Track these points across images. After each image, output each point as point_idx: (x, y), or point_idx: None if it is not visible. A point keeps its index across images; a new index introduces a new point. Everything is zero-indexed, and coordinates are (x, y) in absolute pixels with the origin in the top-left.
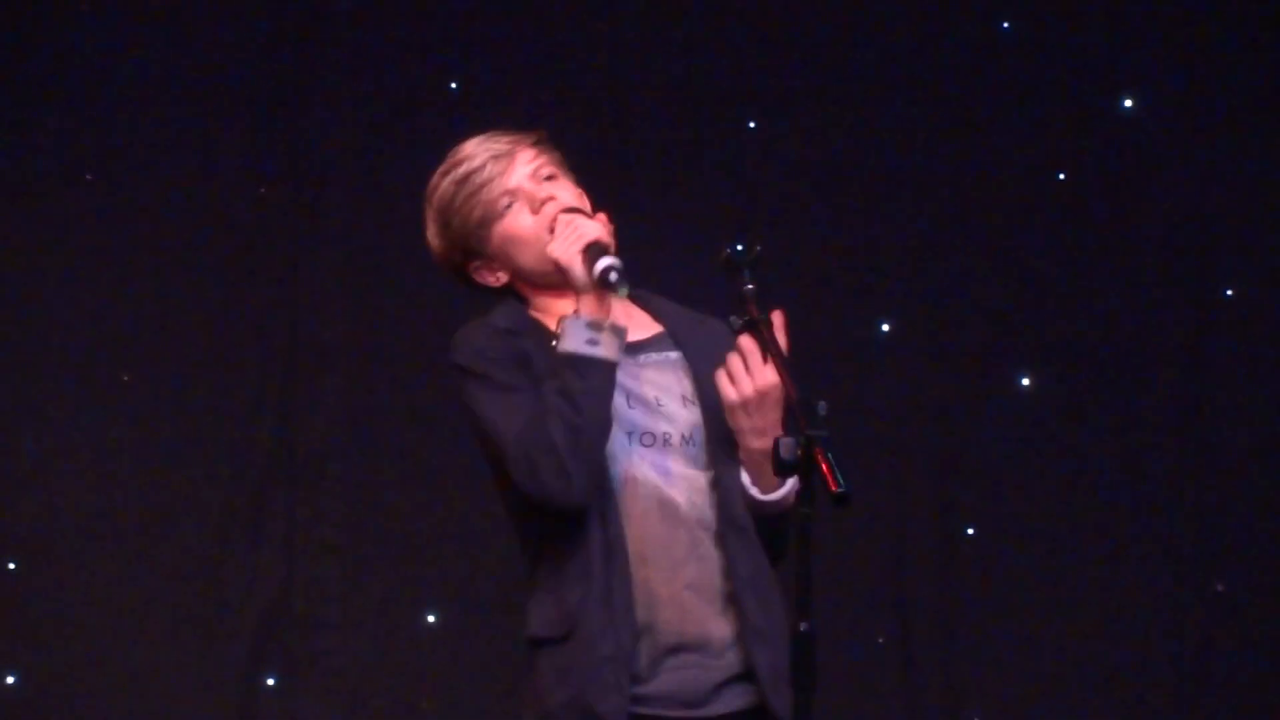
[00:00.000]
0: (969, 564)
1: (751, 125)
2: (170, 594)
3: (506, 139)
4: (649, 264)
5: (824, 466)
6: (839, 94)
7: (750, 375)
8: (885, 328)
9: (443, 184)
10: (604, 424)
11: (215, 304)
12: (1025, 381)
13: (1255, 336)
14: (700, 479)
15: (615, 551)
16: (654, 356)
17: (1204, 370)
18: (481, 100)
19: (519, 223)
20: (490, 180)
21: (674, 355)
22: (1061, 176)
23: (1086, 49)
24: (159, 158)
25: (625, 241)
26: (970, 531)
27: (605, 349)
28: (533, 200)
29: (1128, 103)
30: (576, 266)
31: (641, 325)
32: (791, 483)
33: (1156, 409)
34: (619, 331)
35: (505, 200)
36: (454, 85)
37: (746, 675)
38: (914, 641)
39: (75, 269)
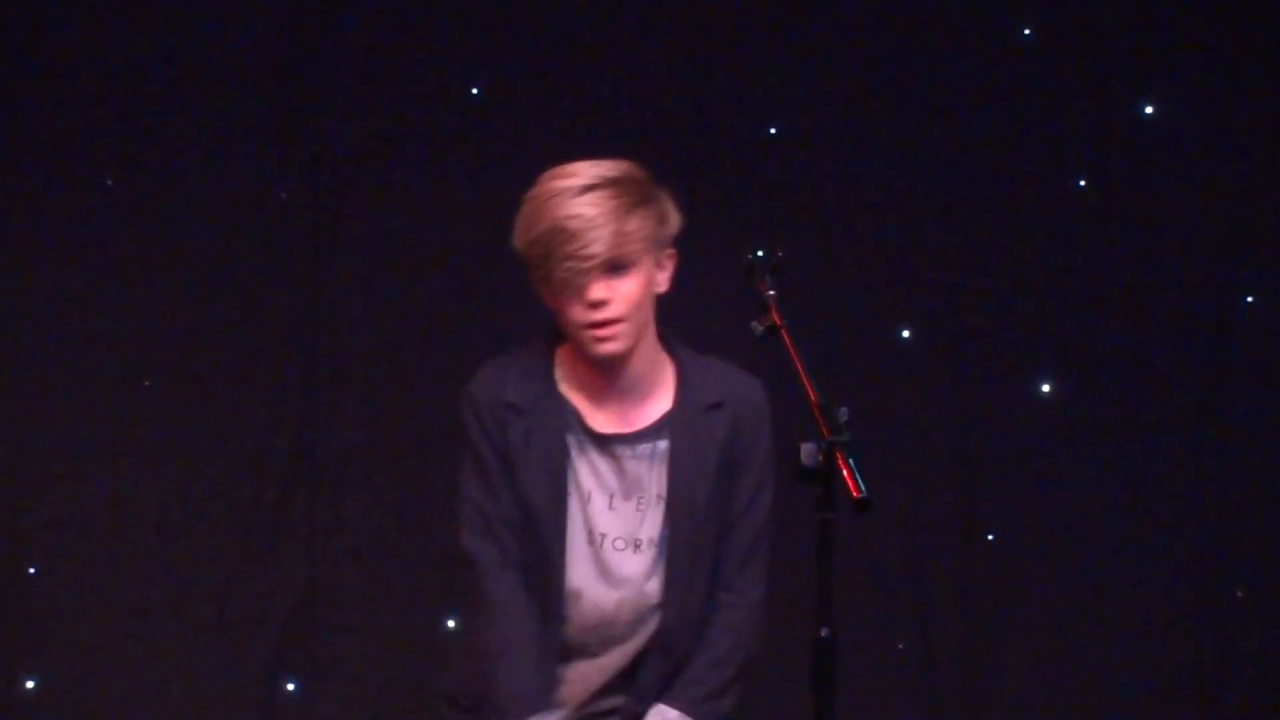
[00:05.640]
0: (989, 570)
1: (773, 131)
2: (191, 599)
3: (603, 210)
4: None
5: (845, 472)
6: (859, 100)
7: None
8: (906, 334)
9: (533, 231)
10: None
11: (236, 309)
12: (1045, 388)
13: (1276, 343)
14: (645, 583)
15: (549, 647)
16: (643, 449)
17: (1224, 377)
18: (503, 106)
19: (567, 309)
20: (575, 257)
21: (662, 445)
22: (1082, 183)
23: (1107, 55)
24: (180, 163)
25: None
26: (990, 538)
27: None
28: (584, 301)
29: (1149, 109)
30: None
31: (649, 408)
32: None
33: (1177, 416)
34: None
35: (568, 293)
36: (475, 91)
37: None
38: (934, 647)
39: (96, 274)
